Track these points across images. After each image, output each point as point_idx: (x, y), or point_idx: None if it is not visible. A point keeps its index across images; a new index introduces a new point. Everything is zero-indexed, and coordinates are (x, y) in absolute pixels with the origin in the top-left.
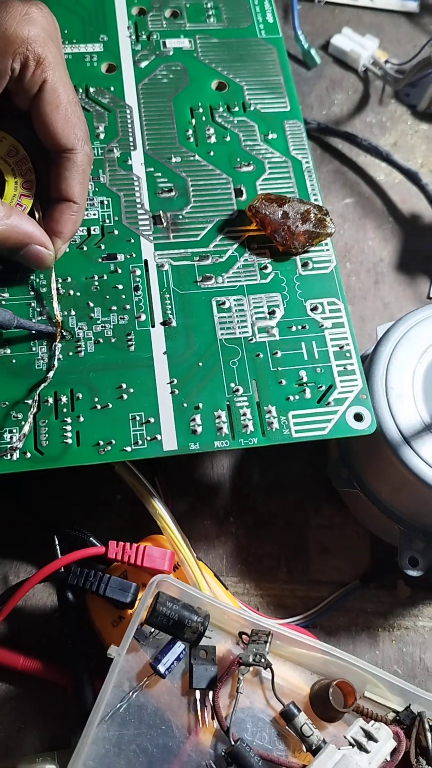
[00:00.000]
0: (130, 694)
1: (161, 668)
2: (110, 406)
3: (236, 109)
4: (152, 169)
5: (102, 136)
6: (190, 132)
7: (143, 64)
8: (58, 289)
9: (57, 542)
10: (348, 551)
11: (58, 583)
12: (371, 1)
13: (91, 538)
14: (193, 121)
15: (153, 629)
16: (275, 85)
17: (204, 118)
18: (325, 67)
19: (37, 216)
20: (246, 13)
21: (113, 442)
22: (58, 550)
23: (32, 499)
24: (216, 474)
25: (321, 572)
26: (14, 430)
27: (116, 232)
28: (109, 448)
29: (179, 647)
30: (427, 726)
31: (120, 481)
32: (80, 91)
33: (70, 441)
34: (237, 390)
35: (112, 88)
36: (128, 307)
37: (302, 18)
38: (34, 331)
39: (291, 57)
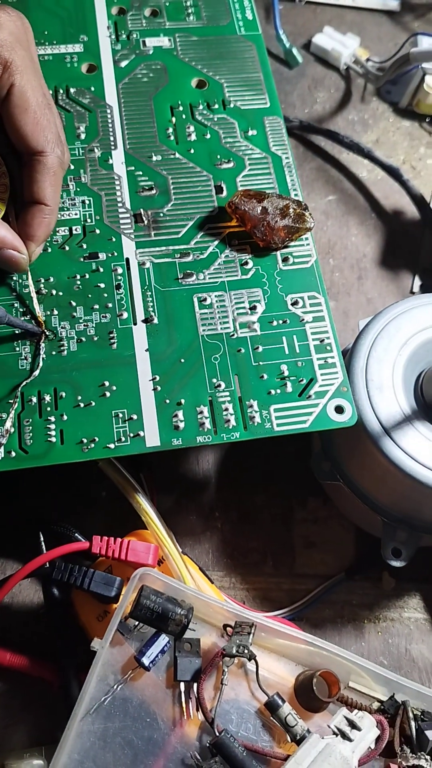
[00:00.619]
0: (115, 687)
1: (145, 661)
2: (93, 404)
3: (216, 106)
4: (133, 168)
5: (83, 136)
6: (171, 130)
7: (123, 64)
8: (40, 289)
9: (42, 539)
10: (333, 544)
11: (44, 580)
12: (352, 0)
13: (76, 534)
14: (174, 119)
15: (137, 622)
16: (255, 81)
17: (184, 116)
18: (307, 66)
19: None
20: (225, 10)
21: (96, 439)
22: (44, 546)
23: (18, 497)
24: (201, 469)
25: (306, 565)
26: None
27: (98, 231)
28: (93, 445)
29: (164, 640)
30: (411, 714)
31: (105, 477)
32: (61, 91)
33: (54, 439)
34: (219, 385)
35: (92, 88)
36: (110, 305)
37: (284, 18)
38: (20, 330)
39: (273, 56)
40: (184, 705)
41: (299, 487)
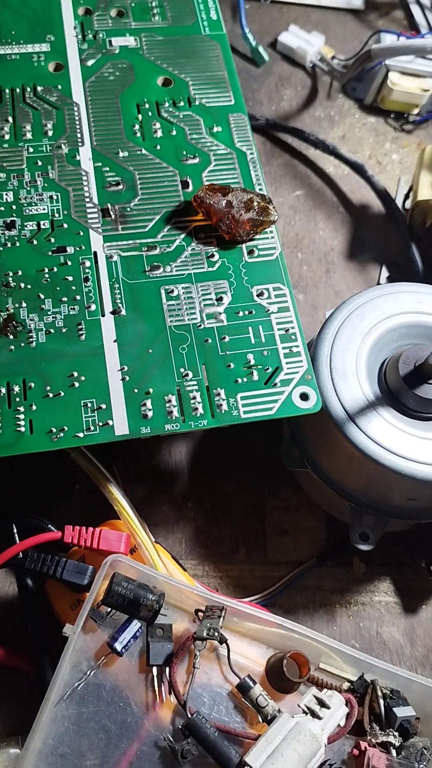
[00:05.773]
0: (88, 672)
1: (118, 646)
2: (62, 394)
3: (182, 104)
4: (100, 164)
5: (50, 133)
6: (137, 127)
7: (90, 63)
8: (8, 282)
9: (15, 530)
10: (305, 531)
11: (17, 570)
12: None
13: (49, 525)
14: (140, 116)
15: (110, 609)
16: (219, 80)
17: (150, 114)
18: (274, 64)
19: None
20: (190, 10)
21: (66, 428)
22: (17, 538)
23: None
24: (174, 460)
25: (279, 553)
26: None
27: (65, 225)
28: (62, 434)
29: (136, 625)
30: (380, 693)
31: (78, 469)
32: (28, 90)
33: (23, 429)
34: (186, 375)
35: (59, 87)
36: (78, 297)
37: (250, 17)
38: None
39: (240, 55)
40: (156, 689)
41: (270, 476)
